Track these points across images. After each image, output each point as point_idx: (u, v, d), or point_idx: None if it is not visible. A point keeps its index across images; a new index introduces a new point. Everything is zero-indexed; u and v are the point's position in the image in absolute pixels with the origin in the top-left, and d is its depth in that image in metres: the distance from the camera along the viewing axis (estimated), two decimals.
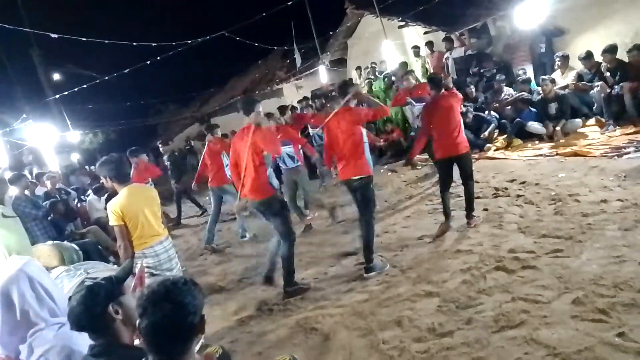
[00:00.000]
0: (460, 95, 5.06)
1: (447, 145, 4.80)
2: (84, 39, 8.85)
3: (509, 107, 8.31)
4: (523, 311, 3.11)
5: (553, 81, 7.79)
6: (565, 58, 8.16)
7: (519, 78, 8.81)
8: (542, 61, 9.10)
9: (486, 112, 8.61)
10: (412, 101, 6.92)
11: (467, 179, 4.82)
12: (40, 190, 7.76)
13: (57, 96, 12.60)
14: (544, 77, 7.93)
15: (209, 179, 6.89)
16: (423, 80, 10.52)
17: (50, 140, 10.64)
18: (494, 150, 7.78)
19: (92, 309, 1.67)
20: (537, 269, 3.62)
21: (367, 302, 3.82)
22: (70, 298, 1.73)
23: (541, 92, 7.82)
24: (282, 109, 7.43)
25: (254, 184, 4.18)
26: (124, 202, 3.42)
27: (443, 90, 4.92)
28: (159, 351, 1.41)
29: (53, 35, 8.51)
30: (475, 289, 3.57)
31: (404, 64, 10.12)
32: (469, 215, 4.87)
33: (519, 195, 5.37)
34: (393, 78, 10.25)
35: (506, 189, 5.64)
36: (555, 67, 8.32)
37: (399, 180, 7.91)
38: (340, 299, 4.03)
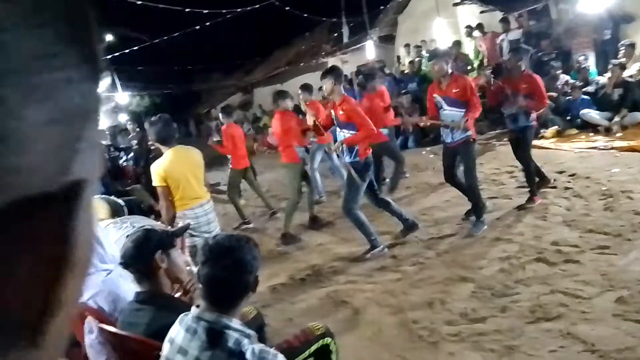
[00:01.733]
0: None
1: None
2: (139, 2, 9.01)
3: (565, 94, 7.93)
4: (561, 304, 3.03)
5: (623, 67, 7.32)
6: (631, 47, 7.64)
7: (578, 65, 8.36)
8: (605, 49, 8.57)
9: None
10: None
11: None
12: None
13: (108, 57, 12.94)
14: (614, 60, 7.44)
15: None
16: (475, 62, 10.20)
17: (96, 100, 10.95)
18: (544, 140, 7.46)
19: (143, 250, 1.77)
20: (580, 264, 3.50)
21: (400, 282, 3.81)
22: (127, 237, 1.82)
23: (601, 81, 7.40)
24: (307, 87, 6.92)
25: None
26: (167, 164, 3.52)
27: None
28: (213, 301, 1.49)
29: None
30: (512, 278, 3.49)
31: (458, 43, 9.77)
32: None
33: (567, 188, 5.16)
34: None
35: (554, 180, 5.43)
36: (619, 56, 7.82)
37: (441, 163, 7.75)
38: (373, 275, 4.04)
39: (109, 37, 15.96)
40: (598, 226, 4.05)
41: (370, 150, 4.40)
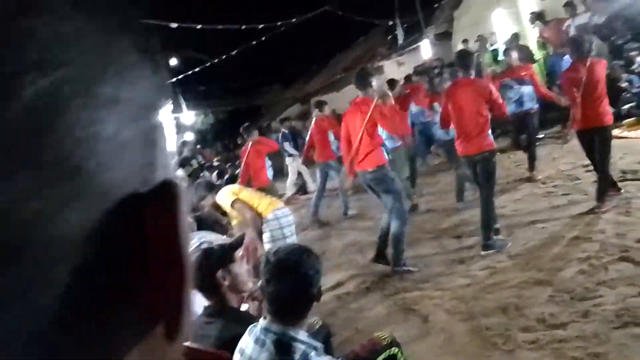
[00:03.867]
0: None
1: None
2: (198, 26, 9.47)
3: None
4: None
5: None
6: None
7: None
8: None
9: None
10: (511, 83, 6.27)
11: None
12: None
13: (174, 79, 13.69)
14: None
15: (316, 155, 7.02)
16: (540, 52, 9.64)
17: (167, 121, 11.61)
18: (625, 128, 6.89)
19: (203, 271, 1.84)
20: None
21: (470, 287, 3.67)
22: None
23: None
24: (391, 83, 7.05)
25: (366, 152, 4.16)
26: (227, 189, 3.94)
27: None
28: (280, 315, 1.52)
29: (173, 25, 9.24)
30: (594, 280, 3.25)
31: (516, 36, 9.33)
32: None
33: None
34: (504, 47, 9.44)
35: (636, 171, 5.00)
36: None
37: (509, 160, 7.41)
38: (441, 282, 3.92)
39: (173, 61, 16.88)
40: None
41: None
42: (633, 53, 7.82)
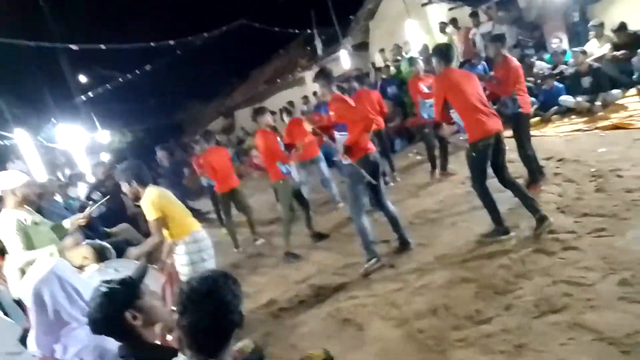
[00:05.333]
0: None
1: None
2: (103, 47, 9.00)
3: (541, 82, 7.96)
4: (565, 295, 2.96)
5: (584, 52, 7.41)
6: (600, 27, 7.72)
7: (553, 49, 8.41)
8: (576, 30, 8.66)
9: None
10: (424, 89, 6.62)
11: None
12: (73, 192, 7.93)
13: (84, 98, 12.88)
14: (575, 49, 7.56)
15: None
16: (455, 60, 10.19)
17: (81, 141, 10.88)
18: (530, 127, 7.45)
19: (108, 316, 1.65)
20: (579, 250, 3.44)
21: (401, 291, 3.72)
22: (87, 303, 1.71)
23: (572, 68, 7.46)
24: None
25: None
26: (158, 197, 3.49)
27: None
28: (199, 348, 1.41)
29: (74, 47, 8.70)
30: (513, 273, 3.43)
31: (426, 47, 9.83)
32: None
33: (556, 174, 5.13)
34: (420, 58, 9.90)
35: (543, 167, 5.39)
36: (590, 37, 7.90)
37: (429, 163, 7.72)
38: (373, 288, 3.94)
39: (83, 79, 15.87)
40: (592, 209, 4.01)
41: (368, 150, 4.26)
42: (533, 59, 8.51)
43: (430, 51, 8.36)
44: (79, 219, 3.77)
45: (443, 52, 4.22)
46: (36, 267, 2.19)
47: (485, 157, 4.01)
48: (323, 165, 6.67)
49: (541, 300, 2.98)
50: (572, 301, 2.87)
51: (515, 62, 4.95)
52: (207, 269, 3.49)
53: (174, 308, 2.37)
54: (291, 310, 4.05)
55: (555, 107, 7.56)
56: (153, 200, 3.45)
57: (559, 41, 8.61)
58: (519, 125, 4.96)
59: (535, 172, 4.98)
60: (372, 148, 4.35)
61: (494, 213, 4.13)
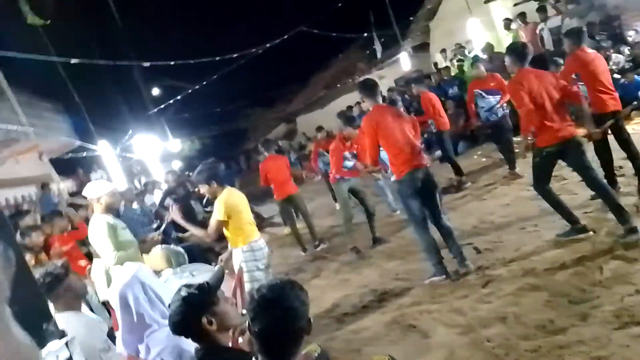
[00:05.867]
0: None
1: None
2: (172, 63, 9.55)
3: (620, 76, 7.45)
4: None
5: None
6: None
7: (630, 41, 7.86)
8: None
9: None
10: (482, 93, 6.47)
11: None
12: (149, 199, 8.47)
13: (157, 109, 13.71)
14: None
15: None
16: None
17: (155, 150, 11.59)
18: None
19: (187, 319, 1.78)
20: None
21: (467, 298, 3.64)
22: (169, 306, 1.85)
23: None
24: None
25: (420, 150, 4.06)
26: (231, 200, 3.73)
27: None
28: (269, 353, 1.48)
29: (146, 64, 9.32)
30: (589, 281, 3.25)
31: (490, 45, 9.52)
32: None
33: (636, 174, 4.78)
34: (484, 57, 9.60)
35: (621, 167, 5.05)
36: None
37: (495, 165, 7.47)
38: (437, 294, 3.88)
39: (156, 91, 16.91)
40: None
41: (407, 169, 3.98)
42: (609, 52, 7.99)
43: (502, 50, 8.11)
44: (154, 237, 4.04)
45: (519, 51, 4.06)
46: (121, 272, 2.39)
47: (548, 164, 3.96)
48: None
49: (622, 310, 2.81)
50: None
51: (590, 56, 4.61)
52: (262, 276, 3.68)
53: (244, 312, 2.50)
54: (354, 315, 4.08)
55: (635, 103, 7.03)
56: (224, 201, 3.69)
57: (635, 33, 8.02)
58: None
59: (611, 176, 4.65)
60: (419, 163, 3.99)
61: (563, 212, 3.99)
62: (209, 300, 1.83)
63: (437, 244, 4.09)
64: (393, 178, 4.24)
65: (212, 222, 3.71)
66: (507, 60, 4.13)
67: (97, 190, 3.73)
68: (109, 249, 3.51)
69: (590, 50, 4.73)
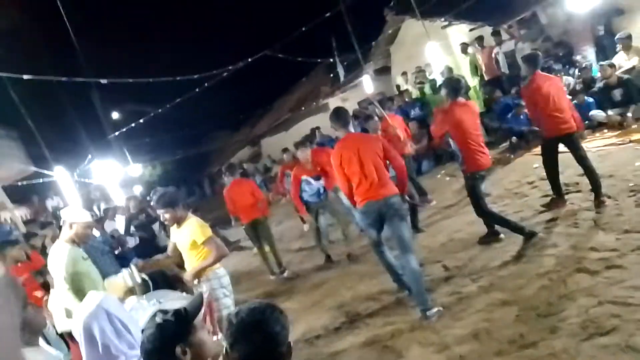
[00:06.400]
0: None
1: None
2: (130, 80, 9.36)
3: (571, 98, 7.84)
4: (614, 316, 2.86)
5: (612, 66, 7.30)
6: (627, 39, 7.58)
7: (578, 64, 8.33)
8: (603, 44, 8.55)
9: None
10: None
11: None
12: (109, 225, 8.16)
13: (117, 133, 13.37)
14: (602, 62, 7.45)
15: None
16: (474, 79, 10.21)
17: (115, 175, 11.22)
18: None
19: (160, 348, 1.66)
20: (623, 268, 3.33)
21: (439, 316, 3.65)
22: (142, 331, 1.74)
23: (601, 81, 7.35)
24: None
25: (384, 180, 3.92)
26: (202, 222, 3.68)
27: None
28: None
29: (103, 81, 9.06)
30: (555, 295, 3.33)
31: (449, 69, 9.86)
32: None
33: (592, 190, 4.99)
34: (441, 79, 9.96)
35: (577, 183, 5.27)
36: (618, 49, 7.78)
37: (459, 184, 7.64)
38: (410, 313, 3.88)
39: (115, 115, 16.53)
40: (634, 225, 3.88)
41: (364, 201, 3.95)
42: (560, 74, 8.42)
43: (461, 73, 8.41)
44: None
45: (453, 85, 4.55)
46: (85, 301, 2.26)
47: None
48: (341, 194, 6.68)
49: (588, 322, 2.89)
50: (621, 322, 2.76)
51: (540, 80, 4.85)
52: (230, 303, 3.59)
53: (215, 337, 2.40)
54: (327, 337, 4.01)
55: (586, 122, 7.42)
56: (201, 223, 3.62)
57: (582, 57, 8.54)
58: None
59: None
60: (377, 195, 3.90)
61: (508, 225, 4.47)
62: (186, 329, 1.72)
63: (393, 264, 4.14)
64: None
65: (208, 241, 3.57)
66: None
67: (76, 216, 3.54)
68: (65, 287, 3.33)
69: (544, 75, 5.00)
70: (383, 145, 4.00)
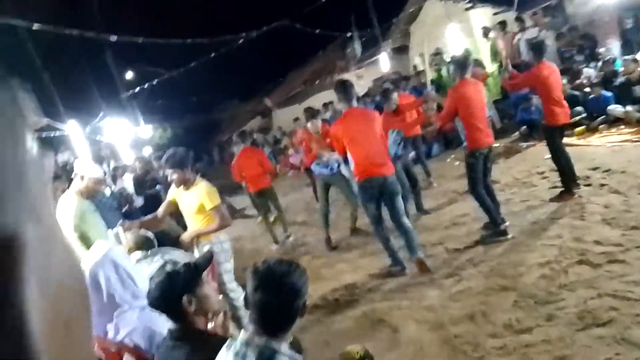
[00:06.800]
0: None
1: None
2: (140, 40, 9.24)
3: (589, 91, 7.71)
4: (611, 308, 2.87)
5: (636, 61, 7.14)
6: None
7: (601, 57, 8.14)
8: (629, 38, 8.34)
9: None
10: None
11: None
12: (118, 183, 8.24)
13: (129, 93, 13.34)
14: (626, 57, 7.28)
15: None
16: (493, 65, 10.02)
17: (125, 135, 11.27)
18: (574, 137, 7.23)
19: (168, 296, 1.74)
20: (626, 263, 3.33)
21: (437, 296, 3.70)
22: (150, 279, 1.80)
23: (623, 76, 7.19)
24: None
25: (383, 158, 4.12)
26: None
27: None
28: (263, 325, 1.48)
29: (112, 38, 8.93)
30: (555, 284, 3.34)
31: (467, 52, 9.66)
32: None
33: (602, 185, 4.96)
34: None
35: (588, 177, 5.23)
36: None
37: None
38: (409, 291, 3.93)
39: (129, 75, 16.45)
40: None
41: (364, 176, 4.13)
42: (581, 66, 8.26)
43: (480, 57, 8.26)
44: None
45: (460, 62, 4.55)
46: (92, 249, 2.31)
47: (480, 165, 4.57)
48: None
49: (585, 312, 2.91)
50: (618, 315, 2.78)
51: (545, 70, 4.86)
52: (231, 268, 3.63)
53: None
54: (325, 308, 4.08)
55: (603, 117, 7.31)
56: (212, 188, 3.59)
57: (606, 50, 8.33)
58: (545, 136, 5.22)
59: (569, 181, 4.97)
60: (378, 172, 4.08)
61: (489, 214, 4.54)
62: (194, 281, 1.80)
63: (390, 239, 4.35)
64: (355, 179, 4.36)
65: (216, 209, 3.54)
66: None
67: (89, 170, 3.57)
68: (73, 238, 3.38)
69: (549, 64, 4.97)
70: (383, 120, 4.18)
